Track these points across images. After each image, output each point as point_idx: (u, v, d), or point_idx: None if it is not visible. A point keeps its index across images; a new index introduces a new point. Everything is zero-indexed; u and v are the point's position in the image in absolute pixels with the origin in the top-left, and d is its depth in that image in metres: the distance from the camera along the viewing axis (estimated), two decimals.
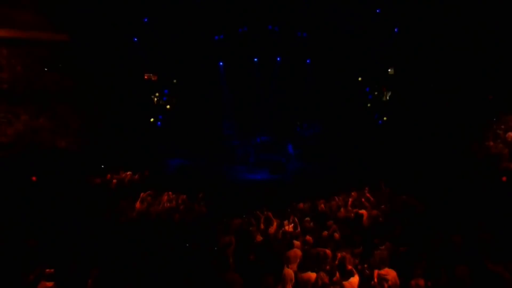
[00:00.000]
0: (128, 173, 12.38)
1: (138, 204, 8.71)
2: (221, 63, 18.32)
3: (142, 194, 8.78)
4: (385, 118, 17.54)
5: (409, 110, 15.53)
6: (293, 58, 17.28)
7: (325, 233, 7.19)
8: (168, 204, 9.13)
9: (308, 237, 7.04)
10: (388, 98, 18.04)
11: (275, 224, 7.75)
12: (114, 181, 11.68)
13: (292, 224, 7.56)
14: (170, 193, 9.51)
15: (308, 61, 18.04)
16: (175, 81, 17.94)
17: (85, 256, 5.69)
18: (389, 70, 17.28)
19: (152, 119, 16.50)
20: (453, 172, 10.98)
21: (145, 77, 16.62)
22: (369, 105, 18.22)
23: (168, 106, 17.76)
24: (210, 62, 17.56)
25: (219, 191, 10.08)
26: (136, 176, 11.96)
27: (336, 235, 7.08)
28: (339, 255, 6.21)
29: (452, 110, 13.43)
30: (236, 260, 6.33)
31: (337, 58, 16.91)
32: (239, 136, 17.40)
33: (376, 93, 17.89)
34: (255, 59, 17.80)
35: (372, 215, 7.99)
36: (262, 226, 7.72)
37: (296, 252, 6.52)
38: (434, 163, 12.31)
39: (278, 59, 17.92)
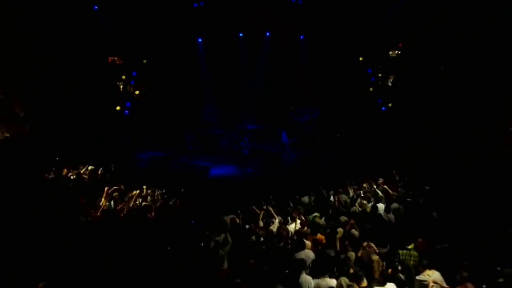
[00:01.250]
0: (89, 167, 11.79)
1: (102, 201, 8.06)
2: (199, 39, 17.79)
3: (107, 188, 8.11)
4: (390, 105, 17.20)
5: (417, 95, 15.31)
6: (285, 33, 16.85)
7: (341, 230, 6.53)
8: (141, 200, 8.46)
9: (320, 236, 6.57)
10: (390, 83, 17.83)
11: (277, 220, 7.07)
12: (72, 176, 11.21)
13: (299, 221, 6.86)
14: (144, 187, 9.13)
15: (301, 37, 17.64)
16: (145, 61, 17.36)
17: (31, 267, 5.20)
18: (390, 52, 17.08)
19: (118, 107, 16.10)
20: (473, 161, 10.88)
21: (109, 60, 16.41)
22: (371, 89, 17.84)
23: (137, 92, 17.31)
24: (187, 38, 17.11)
25: (203, 187, 9.33)
26: (99, 171, 11.49)
27: (355, 232, 6.46)
28: (363, 256, 5.62)
29: (465, 96, 13.26)
30: (233, 263, 5.59)
31: (335, 33, 16.52)
32: (222, 123, 17.06)
33: (380, 75, 17.48)
34: (240, 34, 17.36)
35: (394, 208, 7.46)
36: (261, 223, 7.07)
37: (308, 253, 5.94)
38: (449, 151, 12.21)
39: (267, 34, 17.49)
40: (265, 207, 7.32)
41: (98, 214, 7.93)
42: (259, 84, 17.50)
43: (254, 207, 7.43)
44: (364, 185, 9.18)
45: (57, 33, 13.74)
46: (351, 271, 5.35)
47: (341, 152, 14.68)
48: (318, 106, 17.03)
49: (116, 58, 16.46)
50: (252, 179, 12.69)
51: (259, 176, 13.26)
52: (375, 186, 9.04)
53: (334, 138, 15.59)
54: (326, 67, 17.02)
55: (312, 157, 14.51)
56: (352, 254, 5.85)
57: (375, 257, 5.62)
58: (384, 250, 6.10)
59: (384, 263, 5.78)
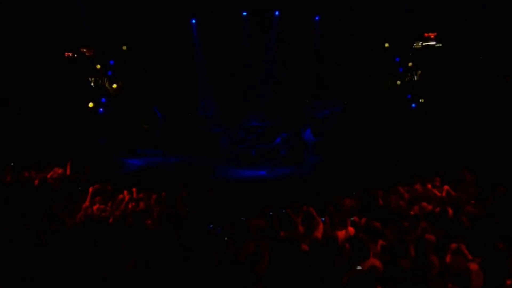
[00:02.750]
0: (59, 170, 11.30)
1: (87, 203, 7.95)
2: (193, 20, 17.54)
3: (91, 188, 8.17)
4: (421, 101, 16.89)
5: (455, 90, 15.35)
6: (297, 12, 16.76)
7: (411, 236, 6.07)
8: (134, 205, 8.10)
9: (381, 242, 6.01)
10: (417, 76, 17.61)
11: (321, 225, 6.34)
12: (36, 180, 10.59)
13: (350, 227, 6.45)
14: (134, 189, 8.68)
15: (317, 17, 17.41)
16: (124, 47, 17.01)
17: None
18: (414, 44, 17.13)
19: (90, 104, 16.02)
20: None
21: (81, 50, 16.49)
22: (398, 82, 17.55)
23: (114, 86, 17.11)
24: (177, 19, 16.91)
25: (207, 190, 8.99)
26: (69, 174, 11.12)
27: (431, 237, 5.71)
28: (453, 264, 4.84)
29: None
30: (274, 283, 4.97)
31: (356, 14, 16.42)
32: (221, 120, 16.78)
33: (410, 64, 17.16)
34: (243, 13, 17.17)
35: (469, 211, 7.05)
36: (301, 228, 6.41)
37: (375, 263, 5.31)
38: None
39: (276, 13, 17.22)
40: (305, 208, 6.65)
41: (77, 220, 7.57)
42: (266, 73, 17.38)
43: (290, 210, 6.65)
44: (416, 186, 8.85)
45: (14, 21, 13.92)
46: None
47: (370, 152, 14.58)
48: (338, 100, 16.87)
49: (85, 49, 16.53)
50: (273, 180, 12.62)
51: (280, 176, 13.12)
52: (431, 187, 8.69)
53: (360, 136, 15.48)
54: (345, 54, 16.89)
55: (338, 157, 14.33)
56: (434, 262, 5.04)
57: (474, 266, 4.83)
58: (478, 260, 5.31)
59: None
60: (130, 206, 8.12)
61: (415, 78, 17.82)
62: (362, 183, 9.31)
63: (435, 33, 17.43)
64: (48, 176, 10.94)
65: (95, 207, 8.00)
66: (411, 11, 15.75)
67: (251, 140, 15.47)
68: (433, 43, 17.24)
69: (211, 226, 6.65)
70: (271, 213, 6.98)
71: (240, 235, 5.91)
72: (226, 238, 5.89)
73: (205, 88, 17.54)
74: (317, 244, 5.87)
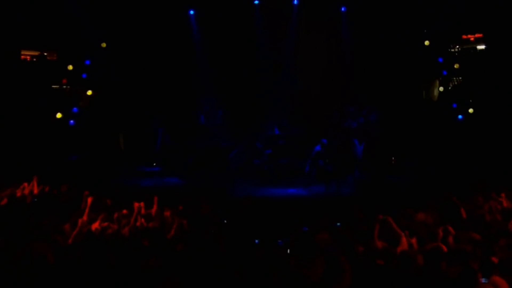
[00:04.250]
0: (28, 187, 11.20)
1: (84, 218, 7.71)
2: (191, 11, 17.55)
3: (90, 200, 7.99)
4: (470, 111, 16.92)
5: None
6: (319, 2, 16.95)
7: None
8: (144, 221, 7.97)
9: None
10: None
11: (404, 239, 6.29)
12: (5, 200, 10.47)
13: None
14: (142, 204, 8.41)
15: (343, 8, 17.47)
16: (104, 45, 16.93)
17: None
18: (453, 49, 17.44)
19: (59, 115, 15.90)
20: None
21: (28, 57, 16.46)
22: (441, 88, 17.62)
23: (89, 92, 16.97)
24: (173, 9, 16.88)
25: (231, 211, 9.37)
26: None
27: None
28: None
29: None
30: None
31: (389, 4, 16.59)
32: (229, 130, 16.66)
33: (456, 66, 17.23)
34: (255, 1, 17.20)
35: None
36: (378, 244, 6.31)
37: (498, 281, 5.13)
38: None
39: (295, 1, 17.26)
40: (381, 217, 6.62)
41: (73, 240, 7.16)
42: (286, 73, 17.43)
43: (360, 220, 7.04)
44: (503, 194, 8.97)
45: None
46: None
47: (418, 164, 15.12)
48: (373, 106, 16.81)
49: (46, 53, 16.51)
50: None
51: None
52: None
53: (402, 148, 15.91)
54: (378, 52, 17.03)
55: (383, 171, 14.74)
56: None
57: None
58: None
59: None
60: (138, 223, 7.83)
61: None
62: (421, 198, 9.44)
63: (476, 35, 17.60)
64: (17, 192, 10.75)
65: (96, 224, 7.69)
66: (451, 10, 16.07)
67: (270, 154, 15.35)
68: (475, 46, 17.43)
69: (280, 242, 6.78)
70: (338, 224, 7.09)
71: (306, 249, 5.77)
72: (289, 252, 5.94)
73: (209, 92, 17.58)
74: (402, 260, 5.81)
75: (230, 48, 17.15)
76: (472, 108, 17.15)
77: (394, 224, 6.59)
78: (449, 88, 17.98)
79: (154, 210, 8.45)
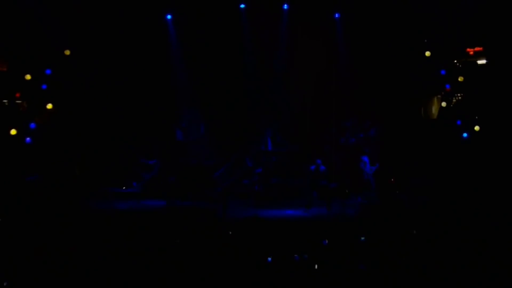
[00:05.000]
0: None
1: None
2: (168, 16, 17.58)
3: None
4: (476, 128, 17.14)
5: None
6: (312, 7, 16.99)
7: None
8: None
9: None
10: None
11: None
12: None
13: None
14: None
15: (337, 15, 17.74)
16: (67, 52, 16.69)
17: None
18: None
19: (13, 131, 15.70)
20: None
21: None
22: (444, 104, 17.85)
23: (49, 106, 16.76)
24: (148, 13, 16.88)
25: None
26: None
27: None
28: None
29: None
30: None
31: (386, 11, 16.89)
32: (213, 147, 16.75)
33: (461, 79, 17.50)
34: (241, 5, 17.33)
35: None
36: None
37: None
38: None
39: (285, 6, 17.48)
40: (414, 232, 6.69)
41: None
42: (275, 83, 17.68)
43: None
44: None
45: None
46: None
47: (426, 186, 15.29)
48: (373, 121, 17.14)
49: None
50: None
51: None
52: None
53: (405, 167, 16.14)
54: (374, 61, 17.33)
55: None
56: None
57: None
58: None
59: None
60: None
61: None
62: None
63: (475, 49, 17.98)
64: None
65: None
66: (450, 23, 16.57)
67: (260, 174, 15.33)
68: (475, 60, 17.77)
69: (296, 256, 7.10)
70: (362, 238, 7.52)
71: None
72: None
73: (188, 104, 17.63)
74: None
75: (213, 56, 17.24)
76: (478, 125, 17.37)
77: None
78: (452, 103, 18.14)
79: None
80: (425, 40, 17.68)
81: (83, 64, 16.64)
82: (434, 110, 19.74)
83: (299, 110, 17.72)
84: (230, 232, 8.35)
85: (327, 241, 7.26)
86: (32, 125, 16.15)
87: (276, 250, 7.74)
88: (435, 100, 19.63)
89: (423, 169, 16.32)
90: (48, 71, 16.52)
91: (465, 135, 17.25)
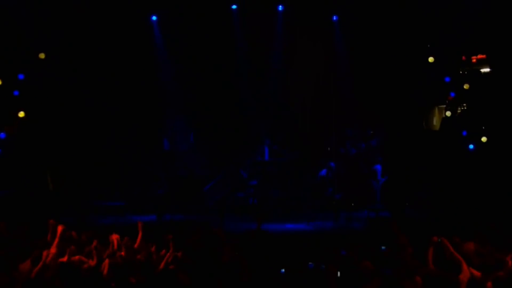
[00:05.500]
0: None
1: (53, 250, 7.63)
2: (154, 17, 17.63)
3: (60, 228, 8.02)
4: (483, 139, 17.21)
5: None
6: (308, 8, 17.03)
7: None
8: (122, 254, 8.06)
9: None
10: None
11: (465, 266, 6.48)
12: None
13: None
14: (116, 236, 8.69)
15: (335, 17, 17.88)
16: (42, 55, 16.61)
17: None
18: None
19: None
20: None
21: None
22: (448, 113, 17.91)
23: (21, 114, 16.55)
24: (132, 14, 16.90)
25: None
26: None
27: None
28: None
29: None
30: None
31: (387, 14, 16.99)
32: (203, 157, 16.78)
33: (466, 87, 17.59)
34: (233, 6, 17.43)
35: None
36: (431, 266, 6.82)
37: None
38: None
39: (280, 8, 17.57)
40: (436, 239, 7.07)
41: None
42: (270, 88, 17.74)
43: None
44: None
45: None
46: None
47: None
48: (375, 129, 17.36)
49: None
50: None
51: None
52: None
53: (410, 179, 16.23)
54: (374, 67, 17.39)
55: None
56: None
57: None
58: None
59: None
60: (119, 258, 7.75)
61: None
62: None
63: (478, 56, 18.13)
64: None
65: (63, 259, 7.56)
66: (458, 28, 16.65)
67: (256, 186, 15.38)
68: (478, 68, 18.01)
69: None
70: (383, 248, 7.56)
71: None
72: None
73: (176, 111, 17.72)
74: None
75: (203, 60, 17.32)
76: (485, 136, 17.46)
77: (452, 249, 6.77)
78: (457, 113, 18.22)
79: (138, 241, 8.46)
80: (428, 45, 17.83)
81: (60, 68, 16.55)
82: (436, 121, 19.92)
83: (297, 117, 17.91)
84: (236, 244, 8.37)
85: (345, 252, 7.26)
86: (2, 135, 16.07)
87: (287, 261, 7.83)
88: (436, 110, 19.83)
89: (429, 182, 16.46)
90: (20, 76, 16.43)
91: (471, 146, 17.32)
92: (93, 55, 16.77)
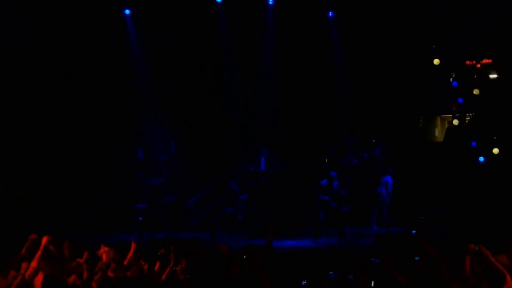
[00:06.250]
0: None
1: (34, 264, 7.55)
2: (127, 11, 17.65)
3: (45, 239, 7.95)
4: (495, 151, 17.40)
5: None
6: (302, 3, 17.28)
7: None
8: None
9: None
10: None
11: (509, 277, 6.35)
12: None
13: None
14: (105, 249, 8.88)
15: (330, 13, 18.11)
16: None
17: None
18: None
19: None
20: None
21: None
22: (455, 122, 18.11)
23: None
24: (102, 9, 16.87)
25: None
26: None
27: None
28: None
29: None
30: None
31: (388, 10, 17.24)
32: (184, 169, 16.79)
33: (476, 92, 17.81)
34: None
35: None
36: (472, 279, 6.82)
37: None
38: None
39: (270, 1, 17.77)
40: (473, 247, 7.04)
41: None
42: (259, 92, 18.03)
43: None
44: None
45: None
46: None
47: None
48: (377, 137, 17.47)
49: None
50: None
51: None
52: None
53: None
54: (373, 68, 17.64)
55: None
56: None
57: None
58: None
59: None
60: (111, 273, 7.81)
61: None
62: None
63: (484, 61, 18.41)
64: None
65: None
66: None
67: (246, 200, 15.43)
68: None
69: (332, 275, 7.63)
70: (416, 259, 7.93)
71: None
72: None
73: (154, 116, 17.71)
74: None
75: (185, 58, 17.41)
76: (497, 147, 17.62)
77: (493, 259, 6.73)
78: (465, 121, 18.37)
79: (130, 256, 8.51)
80: (433, 46, 18.03)
81: (23, 69, 16.52)
82: (438, 132, 20.15)
83: (291, 123, 17.95)
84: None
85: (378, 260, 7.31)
86: None
87: (304, 275, 7.88)
88: (438, 121, 20.07)
89: (437, 197, 16.66)
90: None
91: (481, 159, 17.46)
92: (61, 52, 16.76)
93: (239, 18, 17.67)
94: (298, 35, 17.83)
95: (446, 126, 19.30)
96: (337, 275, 7.59)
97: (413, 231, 8.34)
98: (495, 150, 17.35)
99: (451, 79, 18.11)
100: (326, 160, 17.24)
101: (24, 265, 7.54)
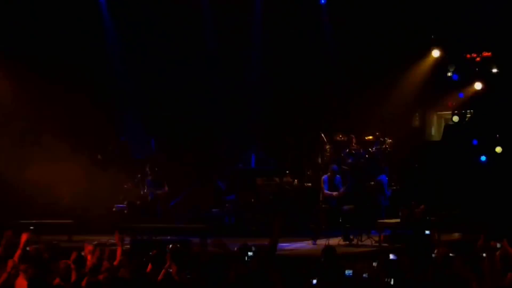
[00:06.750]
0: None
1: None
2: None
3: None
4: (498, 150, 17.52)
5: None
6: None
7: None
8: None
9: None
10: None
11: None
12: None
13: None
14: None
15: (322, 1, 18.24)
16: None
17: None
18: None
19: None
20: None
21: None
22: (455, 118, 18.19)
23: None
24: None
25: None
26: None
27: None
28: None
29: None
30: None
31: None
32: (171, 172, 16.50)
33: (479, 87, 17.92)
34: None
35: None
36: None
37: None
38: None
39: None
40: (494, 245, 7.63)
41: None
42: (247, 84, 18.07)
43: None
44: None
45: None
46: None
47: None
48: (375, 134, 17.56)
49: None
50: None
51: None
52: None
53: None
54: (368, 59, 17.77)
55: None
56: None
57: None
58: None
59: None
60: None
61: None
62: None
63: (483, 54, 18.52)
64: None
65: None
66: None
67: (233, 201, 15.44)
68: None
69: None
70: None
71: None
72: None
73: (132, 111, 17.78)
74: None
75: (166, 47, 17.41)
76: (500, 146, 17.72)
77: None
78: (466, 119, 18.46)
79: (118, 256, 8.59)
80: (432, 36, 18.16)
81: None
82: (434, 131, 20.27)
83: (281, 117, 18.10)
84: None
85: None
86: None
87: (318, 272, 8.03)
88: (435, 118, 20.18)
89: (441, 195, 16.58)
90: None
91: (483, 158, 17.57)
92: (29, 44, 16.86)
93: (227, 8, 17.71)
94: (289, 24, 18.00)
95: (443, 124, 19.54)
96: (353, 273, 7.65)
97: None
98: (498, 149, 17.47)
99: (449, 74, 18.15)
100: (319, 160, 17.38)
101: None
